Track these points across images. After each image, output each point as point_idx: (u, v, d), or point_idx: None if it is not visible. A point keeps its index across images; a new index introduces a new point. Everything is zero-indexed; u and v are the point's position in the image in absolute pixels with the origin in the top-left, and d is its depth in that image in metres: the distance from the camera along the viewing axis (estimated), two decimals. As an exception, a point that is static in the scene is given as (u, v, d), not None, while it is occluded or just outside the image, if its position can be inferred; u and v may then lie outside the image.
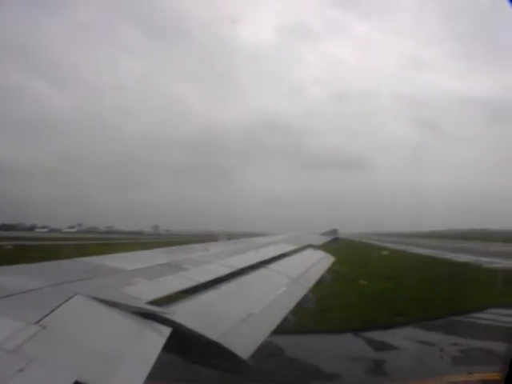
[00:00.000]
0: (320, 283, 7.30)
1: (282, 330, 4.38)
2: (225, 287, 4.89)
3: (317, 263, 8.77)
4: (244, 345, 3.54)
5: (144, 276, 4.25)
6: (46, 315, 2.62)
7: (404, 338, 16.58)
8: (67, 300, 2.97)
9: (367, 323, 18.01)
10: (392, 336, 16.55)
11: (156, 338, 2.92)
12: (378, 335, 16.67)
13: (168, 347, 2.88)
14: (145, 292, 3.71)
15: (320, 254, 10.14)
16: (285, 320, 4.68)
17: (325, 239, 13.89)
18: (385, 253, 56.97)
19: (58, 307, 2.80)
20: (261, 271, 6.23)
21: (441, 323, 18.41)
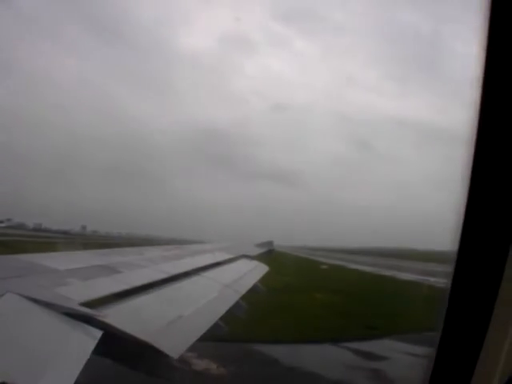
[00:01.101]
0: (255, 292, 7.46)
1: (214, 336, 4.49)
2: (158, 292, 4.92)
3: (250, 273, 8.92)
4: (174, 345, 3.61)
5: (77, 277, 4.22)
6: None
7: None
8: None
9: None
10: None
11: (87, 340, 2.91)
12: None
13: (99, 350, 2.89)
14: (77, 293, 3.69)
15: (254, 264, 10.29)
16: (217, 326, 4.79)
17: (259, 250, 14.07)
18: (324, 267, 58.19)
19: None
20: (194, 278, 6.30)
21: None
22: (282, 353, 15.06)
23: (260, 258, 12.15)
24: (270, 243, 16.78)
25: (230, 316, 5.40)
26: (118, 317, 3.57)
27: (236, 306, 6.01)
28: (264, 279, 9.18)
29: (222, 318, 5.06)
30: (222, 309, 5.35)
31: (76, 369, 2.52)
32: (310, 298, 26.65)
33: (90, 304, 3.60)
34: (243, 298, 6.50)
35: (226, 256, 9.52)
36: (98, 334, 3.05)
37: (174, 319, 4.24)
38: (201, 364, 12.00)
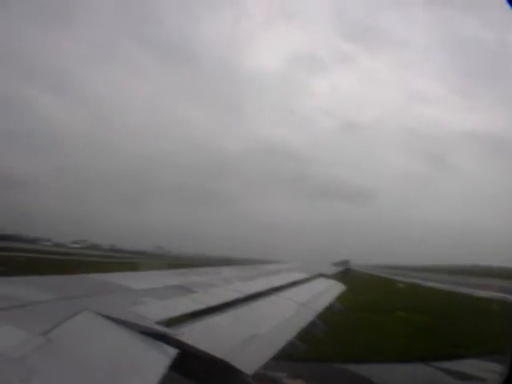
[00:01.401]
0: (335, 312, 7.23)
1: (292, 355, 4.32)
2: (233, 311, 4.84)
3: (328, 292, 8.66)
4: (249, 362, 3.49)
5: (153, 296, 4.23)
6: (53, 328, 2.59)
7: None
8: (75, 315, 2.96)
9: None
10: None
11: (162, 358, 2.86)
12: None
13: (175, 368, 2.84)
14: (153, 312, 3.68)
15: (331, 283, 10.02)
16: (293, 345, 4.63)
17: (336, 269, 13.76)
18: (400, 285, 56.77)
19: (65, 321, 2.78)
20: (271, 297, 6.16)
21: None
22: (373, 372, 14.63)
23: (337, 276, 11.87)
24: (347, 262, 16.44)
25: (308, 335, 5.22)
26: (193, 335, 3.50)
27: (314, 324, 5.81)
28: (343, 298, 8.90)
29: (299, 337, 4.89)
30: (299, 327, 5.17)
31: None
32: (393, 317, 26.20)
33: (166, 323, 3.57)
34: (322, 317, 6.28)
35: (303, 275, 9.31)
36: (174, 351, 3.01)
37: (250, 337, 4.13)
38: (281, 382, 11.84)
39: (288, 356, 4.12)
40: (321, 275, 10.57)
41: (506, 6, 3.16)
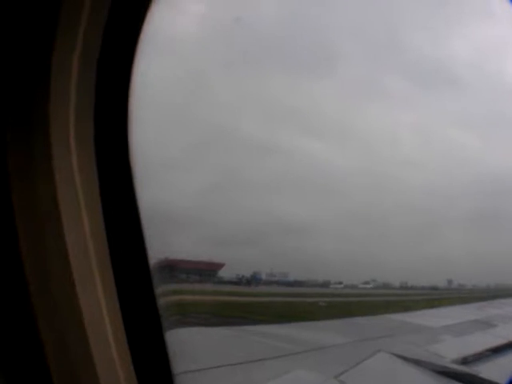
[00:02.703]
0: None
1: None
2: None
3: None
4: None
5: (449, 333, 4.10)
6: (347, 370, 2.77)
7: None
8: (370, 356, 3.08)
9: None
10: None
11: None
12: None
13: None
14: (450, 350, 3.58)
15: None
16: None
17: None
18: None
19: (359, 363, 2.92)
20: None
21: None
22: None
23: None
24: None
25: None
26: (491, 372, 3.29)
27: None
28: None
29: None
30: None
31: None
32: None
33: (463, 361, 3.43)
34: None
35: None
36: None
37: None
38: None
39: None
40: None
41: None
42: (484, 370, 3.32)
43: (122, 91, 1.35)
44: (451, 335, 4.07)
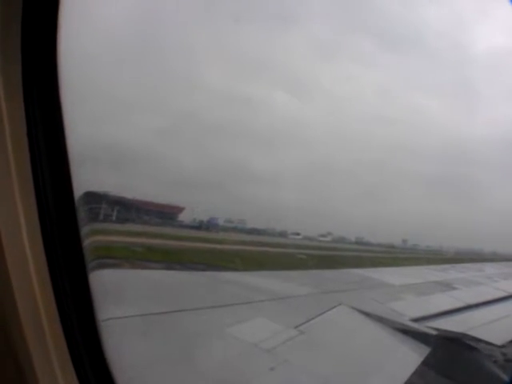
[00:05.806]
0: None
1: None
2: (497, 308, 4.40)
3: None
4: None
5: (411, 292, 4.13)
6: (307, 321, 2.73)
7: None
8: (331, 309, 3.05)
9: None
10: None
11: (414, 356, 2.79)
12: None
13: (427, 366, 2.75)
14: (409, 309, 3.59)
15: None
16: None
17: None
18: None
19: (319, 315, 2.89)
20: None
21: None
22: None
23: None
24: None
25: None
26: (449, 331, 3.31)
27: None
28: None
29: None
30: None
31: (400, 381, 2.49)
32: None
33: (422, 320, 3.43)
34: None
35: None
36: (426, 350, 2.89)
37: None
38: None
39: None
40: None
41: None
42: (443, 329, 3.32)
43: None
44: (412, 294, 4.07)
